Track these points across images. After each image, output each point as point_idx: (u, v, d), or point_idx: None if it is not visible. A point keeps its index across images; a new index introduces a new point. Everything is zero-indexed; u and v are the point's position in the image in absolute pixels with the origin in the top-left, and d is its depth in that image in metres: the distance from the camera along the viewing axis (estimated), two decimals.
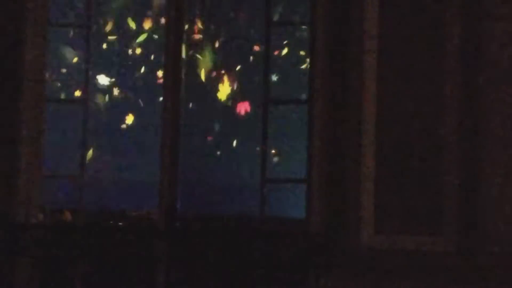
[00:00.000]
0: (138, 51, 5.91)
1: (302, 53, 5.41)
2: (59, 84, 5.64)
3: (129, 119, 5.75)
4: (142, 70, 5.90)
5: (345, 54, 4.85)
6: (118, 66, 5.80)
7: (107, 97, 5.75)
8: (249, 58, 5.58)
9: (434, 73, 4.87)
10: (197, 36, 5.73)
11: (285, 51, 5.52)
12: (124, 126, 5.76)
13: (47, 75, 5.22)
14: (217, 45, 5.68)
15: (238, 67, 5.69)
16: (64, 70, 5.65)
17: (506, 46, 4.84)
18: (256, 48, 5.56)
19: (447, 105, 4.82)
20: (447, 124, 4.83)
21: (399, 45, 4.89)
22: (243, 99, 5.65)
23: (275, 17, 5.24)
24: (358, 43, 4.84)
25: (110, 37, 5.80)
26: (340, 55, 4.87)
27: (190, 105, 5.54)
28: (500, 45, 4.84)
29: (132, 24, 5.90)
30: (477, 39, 4.80)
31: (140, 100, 5.78)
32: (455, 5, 4.83)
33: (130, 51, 5.91)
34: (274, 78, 5.43)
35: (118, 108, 5.76)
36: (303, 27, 5.25)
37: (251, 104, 5.58)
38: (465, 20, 4.85)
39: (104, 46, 5.76)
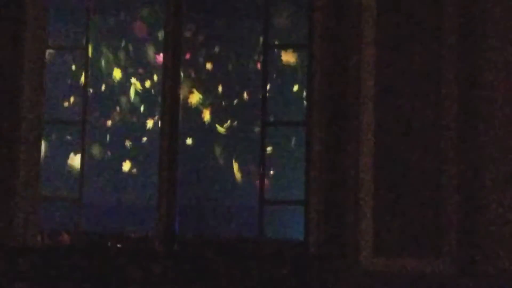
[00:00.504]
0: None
1: (299, 75, 5.41)
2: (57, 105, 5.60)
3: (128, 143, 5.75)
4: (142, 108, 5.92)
5: (343, 77, 4.83)
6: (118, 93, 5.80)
7: (107, 122, 5.74)
8: (247, 80, 5.57)
9: (432, 95, 4.82)
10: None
11: (283, 72, 5.52)
12: (123, 150, 5.76)
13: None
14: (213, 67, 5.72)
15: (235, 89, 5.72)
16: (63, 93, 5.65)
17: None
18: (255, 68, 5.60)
19: (445, 133, 4.77)
20: (446, 147, 4.79)
21: (397, 69, 4.86)
22: (239, 121, 5.65)
23: (273, 41, 5.27)
24: (355, 66, 4.81)
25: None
26: (338, 78, 4.85)
27: (188, 130, 5.52)
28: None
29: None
30: (474, 66, 4.75)
31: (138, 125, 5.76)
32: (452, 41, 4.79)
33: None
34: (272, 99, 5.37)
35: (118, 131, 5.75)
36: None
37: (248, 126, 5.57)
38: (462, 49, 4.80)
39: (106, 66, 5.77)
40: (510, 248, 4.62)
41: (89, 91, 5.34)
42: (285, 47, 5.65)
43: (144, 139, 5.93)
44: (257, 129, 5.50)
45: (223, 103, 5.90)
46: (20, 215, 4.94)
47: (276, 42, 5.48)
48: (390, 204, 4.78)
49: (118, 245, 5.04)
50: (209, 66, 6.07)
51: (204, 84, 5.98)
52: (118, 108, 6.00)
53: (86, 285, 4.92)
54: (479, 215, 4.68)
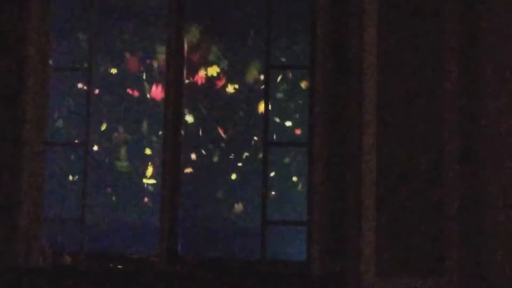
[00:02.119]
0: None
1: (301, 96, 5.39)
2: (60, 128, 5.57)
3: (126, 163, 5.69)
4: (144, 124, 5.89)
5: (345, 97, 4.77)
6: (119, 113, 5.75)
7: (107, 142, 5.67)
8: (248, 100, 5.54)
9: (433, 112, 4.70)
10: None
11: (285, 93, 5.48)
12: (125, 170, 5.70)
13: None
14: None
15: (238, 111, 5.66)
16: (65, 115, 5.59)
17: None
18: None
19: (447, 151, 4.67)
20: (448, 169, 4.67)
21: (398, 88, 4.77)
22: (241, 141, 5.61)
23: (275, 60, 5.26)
24: (356, 86, 4.74)
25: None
26: (339, 98, 4.78)
27: (190, 150, 5.50)
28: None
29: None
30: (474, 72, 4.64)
31: (140, 145, 5.71)
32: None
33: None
34: (275, 120, 5.38)
35: (119, 153, 5.70)
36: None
37: (250, 146, 5.51)
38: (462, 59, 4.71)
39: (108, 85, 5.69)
40: (508, 267, 4.48)
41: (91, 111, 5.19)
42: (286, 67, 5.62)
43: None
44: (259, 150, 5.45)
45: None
46: (24, 236, 4.86)
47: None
48: (391, 225, 4.71)
49: (120, 266, 4.91)
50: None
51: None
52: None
53: None
54: (480, 236, 4.58)
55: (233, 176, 5.74)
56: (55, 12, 5.14)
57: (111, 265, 4.97)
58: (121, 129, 5.77)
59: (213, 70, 5.70)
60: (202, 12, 5.42)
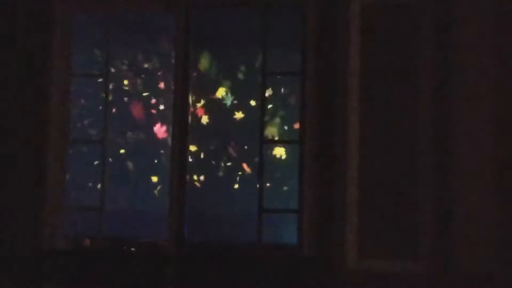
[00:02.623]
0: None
1: (293, 99, 5.49)
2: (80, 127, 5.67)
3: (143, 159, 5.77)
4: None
5: (331, 101, 5.00)
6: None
7: (123, 140, 5.76)
8: (247, 106, 5.63)
9: (409, 119, 4.96)
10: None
11: (278, 99, 5.57)
12: (138, 165, 5.79)
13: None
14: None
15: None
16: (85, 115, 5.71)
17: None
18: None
19: (421, 150, 4.92)
20: (422, 164, 4.92)
21: (379, 98, 5.01)
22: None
23: (270, 68, 5.33)
24: (343, 92, 5.01)
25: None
26: (327, 103, 5.03)
27: (196, 146, 5.58)
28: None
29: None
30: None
31: (151, 143, 5.76)
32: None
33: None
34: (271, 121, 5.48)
35: (133, 149, 5.78)
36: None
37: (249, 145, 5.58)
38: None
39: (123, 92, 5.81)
40: (478, 251, 4.76)
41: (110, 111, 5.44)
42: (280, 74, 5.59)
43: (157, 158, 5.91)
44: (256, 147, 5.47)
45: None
46: (48, 222, 5.13)
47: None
48: (373, 213, 4.95)
49: (133, 249, 5.17)
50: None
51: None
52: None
53: (104, 284, 5.07)
54: (451, 223, 4.81)
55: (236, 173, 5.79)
56: (76, 30, 5.38)
57: (125, 248, 5.21)
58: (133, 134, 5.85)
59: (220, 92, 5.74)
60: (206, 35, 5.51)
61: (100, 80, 5.58)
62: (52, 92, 5.27)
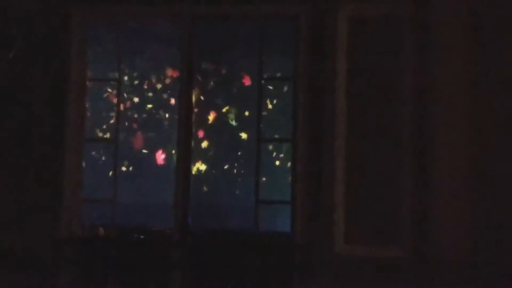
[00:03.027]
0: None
1: (288, 101, 5.57)
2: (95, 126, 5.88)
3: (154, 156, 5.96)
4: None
5: (321, 104, 5.18)
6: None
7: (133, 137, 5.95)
8: (245, 108, 5.83)
9: (392, 119, 5.14)
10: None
11: (274, 101, 5.82)
12: (148, 161, 5.97)
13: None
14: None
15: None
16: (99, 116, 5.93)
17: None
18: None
19: (403, 149, 5.09)
20: (403, 161, 5.10)
21: (365, 100, 5.19)
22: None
23: (266, 74, 5.52)
24: (331, 94, 5.16)
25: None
26: (317, 105, 5.20)
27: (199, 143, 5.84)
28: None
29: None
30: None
31: (160, 142, 5.96)
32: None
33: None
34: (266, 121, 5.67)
35: (142, 148, 5.96)
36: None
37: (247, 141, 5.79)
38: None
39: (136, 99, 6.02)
40: (454, 237, 4.94)
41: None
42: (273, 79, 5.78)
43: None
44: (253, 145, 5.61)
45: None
46: (66, 213, 5.35)
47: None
48: (358, 204, 5.14)
49: (143, 237, 5.39)
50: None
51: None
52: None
53: (117, 268, 5.28)
54: (429, 212, 4.97)
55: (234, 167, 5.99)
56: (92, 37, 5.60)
57: (135, 236, 5.42)
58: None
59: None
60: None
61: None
62: (69, 95, 5.41)
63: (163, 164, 5.97)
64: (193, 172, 5.55)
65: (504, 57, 5.10)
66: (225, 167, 5.83)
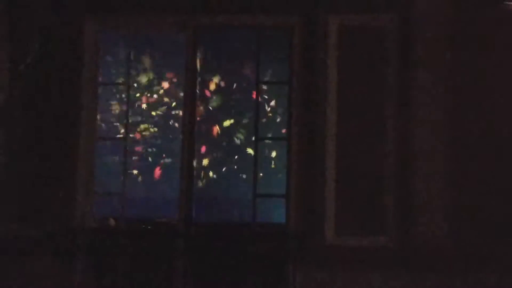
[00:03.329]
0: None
1: (283, 103, 5.75)
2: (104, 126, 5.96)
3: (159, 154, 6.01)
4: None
5: (313, 106, 5.37)
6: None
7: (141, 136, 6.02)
8: (244, 110, 5.93)
9: (378, 120, 5.35)
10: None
11: (271, 103, 5.95)
12: (154, 159, 6.06)
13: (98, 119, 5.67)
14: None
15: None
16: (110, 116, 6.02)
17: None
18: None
19: (387, 148, 5.31)
20: (388, 159, 5.32)
21: (353, 103, 5.39)
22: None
23: (262, 78, 5.72)
24: (323, 97, 5.35)
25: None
26: (310, 106, 5.38)
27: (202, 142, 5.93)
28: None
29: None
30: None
31: (165, 140, 6.05)
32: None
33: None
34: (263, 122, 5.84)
35: (150, 146, 6.03)
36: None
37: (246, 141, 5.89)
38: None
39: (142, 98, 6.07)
40: (433, 226, 5.17)
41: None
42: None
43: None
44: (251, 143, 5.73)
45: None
46: (80, 205, 5.48)
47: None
48: (348, 197, 5.32)
49: (150, 227, 5.54)
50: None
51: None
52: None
53: (126, 256, 5.37)
54: (412, 205, 5.20)
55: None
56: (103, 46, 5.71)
57: (143, 226, 5.55)
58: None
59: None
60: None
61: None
62: (83, 97, 5.54)
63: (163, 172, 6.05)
64: (196, 169, 5.61)
65: (478, 64, 5.26)
66: (226, 163, 5.91)
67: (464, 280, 5.13)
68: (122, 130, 5.74)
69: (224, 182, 5.87)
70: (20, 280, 5.33)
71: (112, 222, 5.57)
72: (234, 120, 5.96)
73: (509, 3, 5.26)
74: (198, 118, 5.61)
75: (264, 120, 5.79)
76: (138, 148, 5.99)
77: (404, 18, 5.33)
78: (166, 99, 5.98)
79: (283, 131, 5.62)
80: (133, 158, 5.87)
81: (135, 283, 5.41)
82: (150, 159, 6.00)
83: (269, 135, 5.79)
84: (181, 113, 5.68)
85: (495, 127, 5.24)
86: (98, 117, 5.65)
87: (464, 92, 5.27)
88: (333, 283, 5.20)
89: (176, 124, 5.89)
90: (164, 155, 5.95)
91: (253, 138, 5.58)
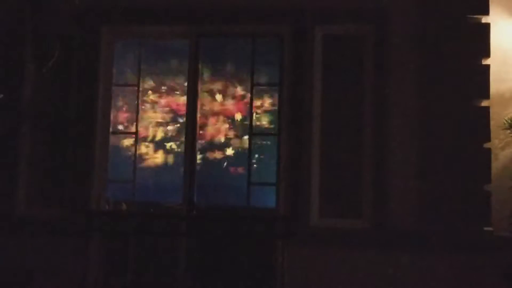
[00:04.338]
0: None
1: (273, 105, 5.82)
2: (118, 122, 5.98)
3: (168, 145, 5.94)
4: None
5: (301, 105, 5.60)
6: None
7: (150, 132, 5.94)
8: (239, 110, 5.88)
9: (356, 117, 5.57)
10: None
11: (264, 103, 5.86)
12: (162, 150, 5.99)
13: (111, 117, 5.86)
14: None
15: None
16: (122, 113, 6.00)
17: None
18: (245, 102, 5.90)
19: (365, 143, 5.49)
20: (365, 151, 5.53)
21: (336, 102, 5.59)
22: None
23: (256, 80, 5.80)
24: (309, 99, 5.61)
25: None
26: (297, 106, 5.61)
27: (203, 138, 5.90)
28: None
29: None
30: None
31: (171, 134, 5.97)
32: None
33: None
34: (256, 119, 5.82)
35: (157, 140, 5.97)
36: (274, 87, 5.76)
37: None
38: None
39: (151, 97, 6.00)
40: (406, 211, 5.40)
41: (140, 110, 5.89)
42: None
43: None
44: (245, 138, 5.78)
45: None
46: (95, 191, 5.74)
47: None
48: (330, 185, 5.58)
49: (157, 211, 5.66)
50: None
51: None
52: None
53: (136, 236, 5.59)
54: (387, 189, 5.42)
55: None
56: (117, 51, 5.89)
57: (151, 210, 5.72)
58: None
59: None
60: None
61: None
62: (98, 97, 5.79)
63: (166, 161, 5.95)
64: (198, 160, 5.78)
65: (448, 66, 5.45)
66: (225, 155, 5.85)
67: (432, 257, 5.32)
68: (133, 125, 5.89)
69: (223, 172, 5.85)
70: (40, 258, 5.57)
71: (123, 206, 5.75)
72: (231, 116, 5.94)
73: (471, 16, 5.51)
74: (199, 116, 5.79)
75: (257, 117, 5.83)
76: (147, 141, 6.03)
77: (380, 27, 5.56)
78: (172, 100, 6.01)
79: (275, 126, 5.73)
80: (142, 149, 5.98)
81: (143, 260, 5.58)
82: (157, 151, 6.03)
83: (262, 131, 5.82)
84: (185, 111, 5.86)
85: (455, 123, 5.43)
86: (112, 113, 5.85)
87: (434, 91, 5.48)
88: (316, 259, 5.39)
89: (181, 120, 5.94)
90: (169, 148, 6.00)
91: (248, 133, 5.77)
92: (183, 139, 5.85)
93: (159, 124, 5.99)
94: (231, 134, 5.93)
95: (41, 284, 5.53)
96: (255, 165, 5.82)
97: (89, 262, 5.50)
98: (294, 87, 5.65)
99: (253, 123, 5.83)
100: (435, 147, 5.48)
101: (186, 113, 5.84)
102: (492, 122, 5.49)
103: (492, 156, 5.48)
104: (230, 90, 5.92)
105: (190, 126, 5.79)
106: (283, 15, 5.68)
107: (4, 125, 5.79)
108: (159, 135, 5.97)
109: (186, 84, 5.88)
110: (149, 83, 6.00)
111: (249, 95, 5.85)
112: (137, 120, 5.91)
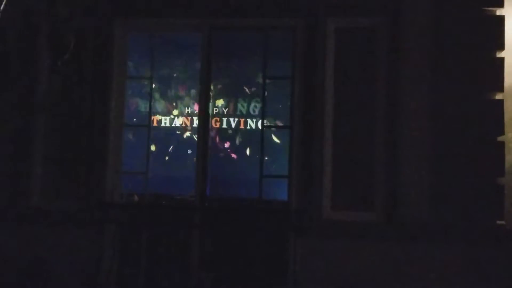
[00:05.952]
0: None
1: (287, 96, 5.72)
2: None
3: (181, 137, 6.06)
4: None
5: (313, 98, 5.51)
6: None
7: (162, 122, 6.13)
8: (251, 102, 5.99)
9: (368, 110, 5.46)
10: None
11: (275, 96, 5.88)
12: (175, 143, 6.17)
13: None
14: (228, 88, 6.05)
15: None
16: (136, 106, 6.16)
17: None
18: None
19: (377, 139, 5.41)
20: (378, 146, 5.44)
21: (348, 95, 5.52)
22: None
23: (268, 74, 5.73)
24: (321, 92, 5.50)
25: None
26: (310, 98, 5.52)
27: (214, 132, 6.02)
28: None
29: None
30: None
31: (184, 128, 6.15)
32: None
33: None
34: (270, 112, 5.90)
35: (170, 134, 6.13)
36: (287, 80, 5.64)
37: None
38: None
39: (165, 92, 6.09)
40: (423, 202, 5.28)
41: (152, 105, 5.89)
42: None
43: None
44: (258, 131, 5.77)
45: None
46: (109, 183, 5.70)
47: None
48: (342, 178, 5.50)
49: (170, 203, 5.74)
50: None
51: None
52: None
53: (149, 227, 5.52)
54: (398, 184, 5.31)
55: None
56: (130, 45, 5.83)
57: (163, 202, 5.75)
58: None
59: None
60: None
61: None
62: (112, 90, 5.71)
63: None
64: (210, 152, 5.67)
65: (462, 59, 5.30)
66: (237, 149, 5.99)
67: (444, 250, 5.22)
68: (146, 118, 5.87)
69: (236, 164, 5.95)
70: (56, 249, 5.53)
71: (136, 197, 5.74)
72: (244, 109, 6.00)
73: (486, 8, 5.37)
74: (211, 108, 5.70)
75: (270, 110, 5.83)
76: (159, 133, 6.11)
77: (393, 20, 5.44)
78: (184, 93, 6.08)
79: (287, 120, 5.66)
80: (155, 141, 6.03)
81: (156, 250, 5.53)
82: (170, 143, 6.15)
83: (275, 124, 5.89)
84: (197, 107, 5.80)
85: (469, 116, 5.29)
86: (125, 106, 5.79)
87: (445, 84, 5.36)
88: (328, 251, 5.31)
89: (194, 118, 5.98)
90: (182, 140, 6.08)
91: (261, 127, 5.68)
92: (194, 131, 5.86)
93: (172, 116, 5.99)
94: (243, 126, 5.92)
95: (57, 273, 5.50)
96: (267, 158, 5.76)
97: (103, 253, 5.49)
98: (307, 80, 5.55)
99: (265, 115, 5.75)
100: (448, 140, 5.37)
101: (199, 106, 5.78)
102: (506, 116, 5.33)
103: (506, 149, 5.32)
104: (242, 83, 5.91)
105: (203, 119, 5.70)
106: (295, 9, 5.59)
107: (19, 117, 5.75)
108: (171, 127, 5.97)
109: (199, 76, 5.78)
110: (162, 75, 6.00)
111: (261, 88, 5.77)
112: (150, 112, 5.84)
